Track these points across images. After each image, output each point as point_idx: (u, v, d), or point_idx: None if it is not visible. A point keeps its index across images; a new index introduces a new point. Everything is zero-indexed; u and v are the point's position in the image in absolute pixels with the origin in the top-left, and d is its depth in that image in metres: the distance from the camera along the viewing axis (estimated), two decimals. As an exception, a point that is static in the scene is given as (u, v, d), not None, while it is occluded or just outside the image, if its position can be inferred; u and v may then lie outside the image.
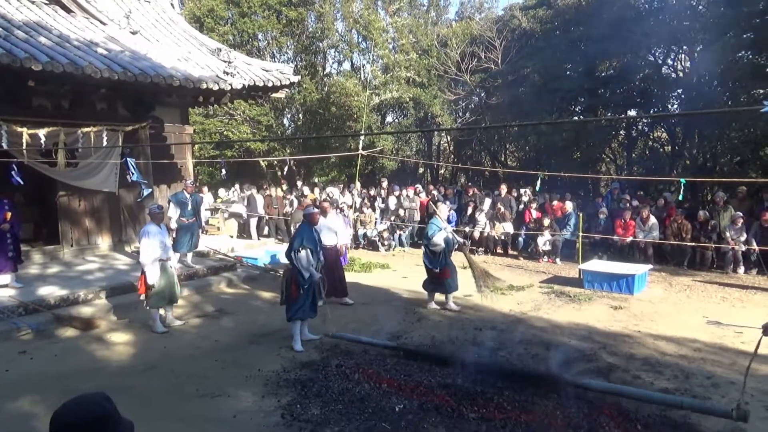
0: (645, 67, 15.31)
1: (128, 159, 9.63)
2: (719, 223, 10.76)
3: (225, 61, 10.81)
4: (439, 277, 8.15)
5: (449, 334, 6.97)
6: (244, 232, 15.28)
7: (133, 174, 9.70)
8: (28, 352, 6.49)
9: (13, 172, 8.56)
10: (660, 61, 15.51)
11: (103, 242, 11.18)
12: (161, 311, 7.47)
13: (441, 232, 8.07)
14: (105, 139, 9.61)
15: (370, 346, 6.38)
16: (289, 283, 6.57)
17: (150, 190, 10.44)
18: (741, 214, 10.47)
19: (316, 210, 6.98)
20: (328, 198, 12.45)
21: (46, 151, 9.30)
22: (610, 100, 15.68)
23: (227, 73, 10.52)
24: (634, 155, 17.52)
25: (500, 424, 4.49)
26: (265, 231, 15.13)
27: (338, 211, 9.68)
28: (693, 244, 10.73)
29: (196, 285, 9.48)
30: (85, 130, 9.45)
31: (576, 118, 16.42)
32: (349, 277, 9.48)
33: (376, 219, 14.20)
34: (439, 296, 8.41)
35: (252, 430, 4.52)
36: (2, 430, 4.56)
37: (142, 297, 7.32)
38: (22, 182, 8.74)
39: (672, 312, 8.03)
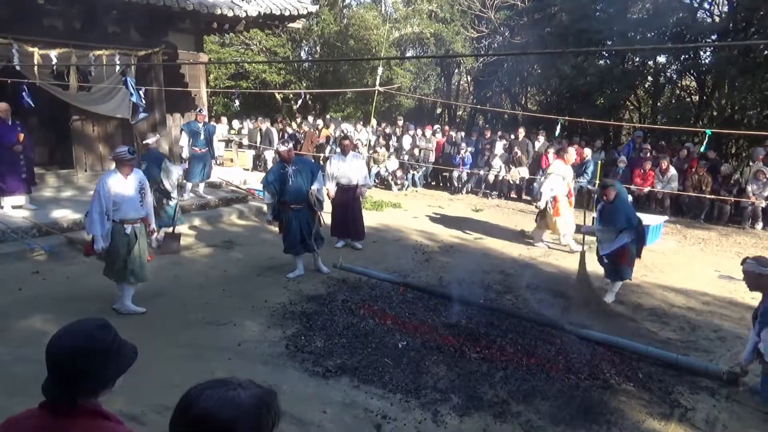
0: (679, 11, 14.55)
1: (128, 78, 9.24)
2: (742, 178, 10.46)
3: (240, -13, 10.42)
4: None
5: (457, 276, 6.96)
6: (259, 164, 15.24)
7: (132, 95, 9.33)
8: (40, 272, 6.61)
9: (24, 94, 8.45)
10: (696, 4, 14.73)
11: (117, 169, 11.17)
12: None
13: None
14: (117, 62, 9.42)
15: (378, 281, 6.40)
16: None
17: (146, 114, 10.01)
18: (764, 167, 10.15)
19: (285, 147, 6.76)
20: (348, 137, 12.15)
21: (59, 74, 9.15)
22: (641, 44, 14.97)
23: (243, -1, 10.18)
24: (659, 104, 16.93)
25: (501, 366, 4.52)
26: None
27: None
28: (712, 197, 10.48)
29: (208, 215, 9.52)
30: (97, 53, 9.25)
31: (602, 63, 15.74)
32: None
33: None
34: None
35: (256, 359, 4.59)
36: (12, 348, 4.67)
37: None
38: (33, 105, 8.64)
39: (684, 264, 7.94)
